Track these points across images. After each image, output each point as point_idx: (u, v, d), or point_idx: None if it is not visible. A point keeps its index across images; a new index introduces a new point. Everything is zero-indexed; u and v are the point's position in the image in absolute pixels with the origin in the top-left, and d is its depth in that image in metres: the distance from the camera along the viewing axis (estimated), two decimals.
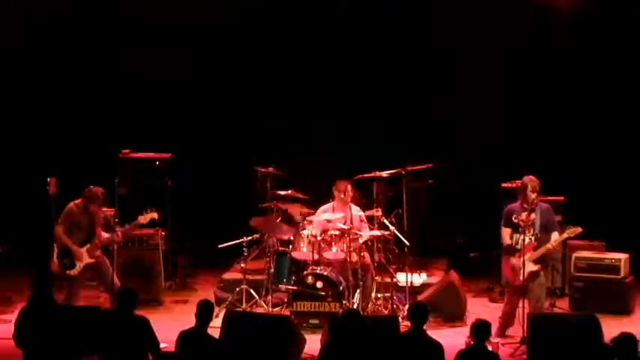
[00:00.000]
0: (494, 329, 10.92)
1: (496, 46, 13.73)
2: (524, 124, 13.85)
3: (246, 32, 14.24)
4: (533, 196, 10.97)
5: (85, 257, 11.41)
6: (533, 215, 11.00)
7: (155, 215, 11.65)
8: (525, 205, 10.99)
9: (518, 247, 10.98)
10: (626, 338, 8.12)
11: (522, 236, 10.96)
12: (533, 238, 11.01)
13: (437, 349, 8.56)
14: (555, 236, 11.10)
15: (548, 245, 11.05)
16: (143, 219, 11.60)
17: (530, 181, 11.00)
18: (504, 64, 13.84)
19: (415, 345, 8.60)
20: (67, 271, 11.39)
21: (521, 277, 10.89)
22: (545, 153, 13.64)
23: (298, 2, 14.17)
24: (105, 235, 11.56)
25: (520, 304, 10.92)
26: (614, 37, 13.52)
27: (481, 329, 8.51)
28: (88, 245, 11.42)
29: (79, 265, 11.41)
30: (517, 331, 10.98)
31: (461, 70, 13.96)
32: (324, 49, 14.13)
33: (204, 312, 8.80)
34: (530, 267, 10.96)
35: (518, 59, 13.82)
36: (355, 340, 8.52)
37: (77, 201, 11.48)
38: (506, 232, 11.15)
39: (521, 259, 10.89)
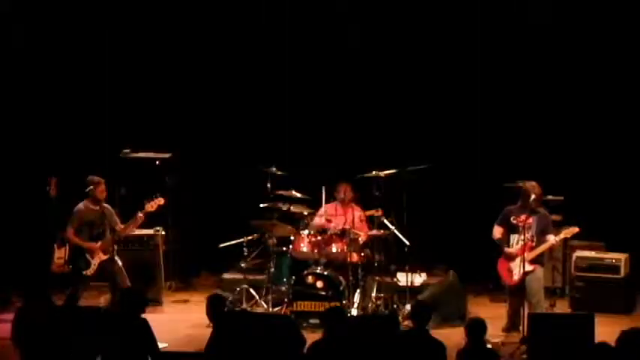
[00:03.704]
0: (501, 326, 11.18)
1: (492, 44, 13.75)
2: (524, 124, 13.84)
3: (245, 31, 14.23)
4: (534, 200, 11.18)
5: (99, 254, 11.41)
6: (531, 219, 11.19)
7: (162, 201, 11.62)
8: (524, 209, 11.20)
9: (517, 246, 11.21)
10: (634, 334, 8.12)
11: (521, 236, 11.16)
12: (530, 240, 11.21)
13: (440, 348, 8.58)
14: (551, 237, 11.26)
15: (548, 244, 11.27)
16: (150, 206, 11.58)
17: (533, 187, 11.23)
18: (503, 63, 13.83)
19: (418, 344, 8.62)
20: (84, 272, 11.38)
21: (518, 276, 11.11)
22: (545, 153, 13.62)
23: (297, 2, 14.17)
24: (122, 226, 11.57)
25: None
26: (617, 38, 13.50)
27: (476, 327, 8.53)
28: (100, 242, 11.42)
29: (94, 264, 11.41)
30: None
31: (460, 70, 13.95)
32: (323, 47, 14.11)
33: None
34: (526, 267, 11.13)
35: (516, 58, 13.81)
36: (342, 336, 8.55)
37: (84, 200, 11.47)
38: (497, 229, 11.45)
39: (519, 258, 11.04)
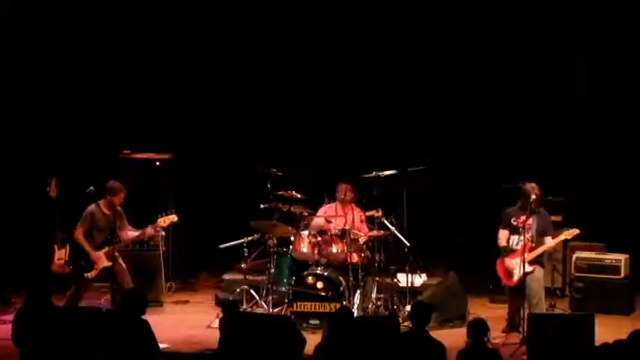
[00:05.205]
0: (501, 327, 11.20)
1: (492, 43, 13.77)
2: (525, 124, 13.85)
3: (245, 31, 14.24)
4: (534, 200, 11.16)
5: (103, 261, 11.37)
6: (531, 219, 11.22)
7: (175, 218, 11.60)
8: (524, 209, 11.21)
9: (517, 247, 11.23)
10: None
11: (520, 237, 11.18)
12: (530, 240, 11.21)
13: (440, 348, 8.59)
14: (549, 239, 11.30)
15: (544, 247, 11.30)
16: (163, 222, 11.55)
17: (533, 189, 11.22)
18: (503, 63, 13.84)
19: (418, 344, 8.62)
20: (85, 274, 11.35)
21: (518, 277, 11.12)
22: (546, 154, 13.63)
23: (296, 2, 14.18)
24: (133, 233, 11.56)
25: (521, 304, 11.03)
26: (617, 39, 13.51)
27: (477, 328, 8.54)
28: (106, 248, 11.38)
29: (96, 268, 11.37)
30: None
31: (460, 70, 13.95)
32: (323, 47, 14.12)
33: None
34: (526, 267, 11.15)
35: (516, 58, 13.82)
36: (348, 337, 8.56)
37: (99, 202, 11.44)
38: (503, 235, 11.43)
39: (517, 259, 11.09)
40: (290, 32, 14.15)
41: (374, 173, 12.11)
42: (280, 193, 12.36)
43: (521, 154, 13.69)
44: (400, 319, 10.89)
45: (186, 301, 13.04)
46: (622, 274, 12.36)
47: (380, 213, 12.05)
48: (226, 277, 13.01)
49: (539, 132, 13.83)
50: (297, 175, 12.75)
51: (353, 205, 12.30)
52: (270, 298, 12.00)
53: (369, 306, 11.83)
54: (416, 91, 14.08)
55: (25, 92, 13.99)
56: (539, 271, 11.31)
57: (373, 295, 11.93)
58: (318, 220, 12.25)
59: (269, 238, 12.17)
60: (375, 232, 12.00)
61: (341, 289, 11.57)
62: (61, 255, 11.58)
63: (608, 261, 12.45)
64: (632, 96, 13.61)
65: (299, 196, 12.32)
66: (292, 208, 12.20)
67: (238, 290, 12.19)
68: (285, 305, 11.76)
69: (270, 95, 14.35)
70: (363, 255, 12.00)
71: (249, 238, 12.28)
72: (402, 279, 12.30)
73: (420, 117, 14.07)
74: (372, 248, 12.12)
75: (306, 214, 12.24)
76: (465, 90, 13.98)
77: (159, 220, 11.52)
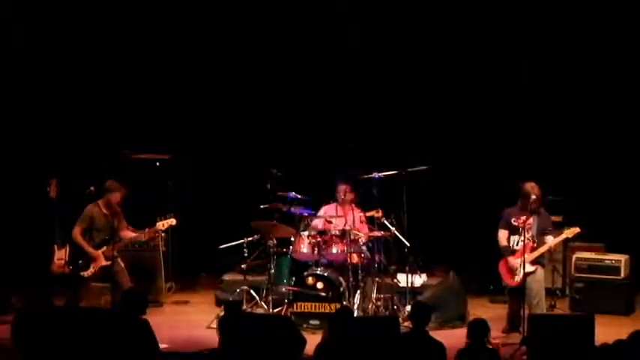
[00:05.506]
0: (501, 327, 11.19)
1: (492, 43, 13.76)
2: (525, 125, 13.84)
3: (245, 31, 14.23)
4: (534, 200, 11.14)
5: (101, 260, 11.37)
6: (531, 219, 11.20)
7: (174, 222, 11.59)
8: (524, 209, 11.19)
9: (517, 247, 11.22)
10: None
11: (521, 237, 11.16)
12: (530, 240, 11.22)
13: (440, 348, 8.59)
14: (550, 239, 11.28)
15: (547, 246, 11.29)
16: (161, 225, 11.54)
17: (533, 188, 11.21)
18: (503, 63, 13.84)
19: (418, 344, 8.62)
20: (81, 272, 11.35)
21: (520, 277, 11.12)
22: (546, 154, 13.63)
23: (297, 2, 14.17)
24: (131, 234, 11.55)
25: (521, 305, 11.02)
26: (619, 38, 13.51)
27: (478, 328, 8.55)
28: (105, 248, 11.38)
29: (94, 267, 11.37)
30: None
31: (460, 70, 13.95)
32: (323, 47, 14.12)
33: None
34: (527, 268, 11.16)
35: (516, 58, 13.82)
36: (348, 337, 8.56)
37: (98, 202, 11.44)
38: (503, 235, 11.44)
39: (520, 259, 11.04)
40: (290, 32, 14.14)
41: (374, 173, 12.10)
42: (280, 193, 12.36)
43: (521, 154, 13.67)
44: (400, 319, 10.89)
45: (186, 302, 13.05)
46: (622, 275, 12.37)
47: (380, 213, 12.05)
48: (226, 277, 13.00)
49: (539, 132, 13.82)
50: (297, 175, 12.73)
51: (353, 205, 12.31)
52: (270, 298, 12.00)
53: (369, 306, 11.83)
54: (416, 91, 14.08)
55: (25, 92, 13.98)
56: (540, 272, 11.32)
57: (373, 296, 11.93)
58: (318, 221, 12.24)
59: (269, 238, 12.16)
60: (375, 233, 12.00)
61: (341, 289, 11.57)
62: (61, 255, 11.56)
63: (608, 261, 12.47)
64: (633, 96, 13.60)
65: (299, 196, 12.32)
66: (292, 209, 12.20)
67: (238, 290, 12.19)
68: (285, 306, 11.75)
69: (269, 95, 14.33)
70: (362, 255, 11.99)
71: (249, 239, 12.27)
72: (402, 279, 12.30)
73: (420, 117, 14.07)
74: (372, 249, 12.11)
75: (305, 214, 12.24)
76: (465, 90, 13.98)
77: (157, 223, 11.52)
